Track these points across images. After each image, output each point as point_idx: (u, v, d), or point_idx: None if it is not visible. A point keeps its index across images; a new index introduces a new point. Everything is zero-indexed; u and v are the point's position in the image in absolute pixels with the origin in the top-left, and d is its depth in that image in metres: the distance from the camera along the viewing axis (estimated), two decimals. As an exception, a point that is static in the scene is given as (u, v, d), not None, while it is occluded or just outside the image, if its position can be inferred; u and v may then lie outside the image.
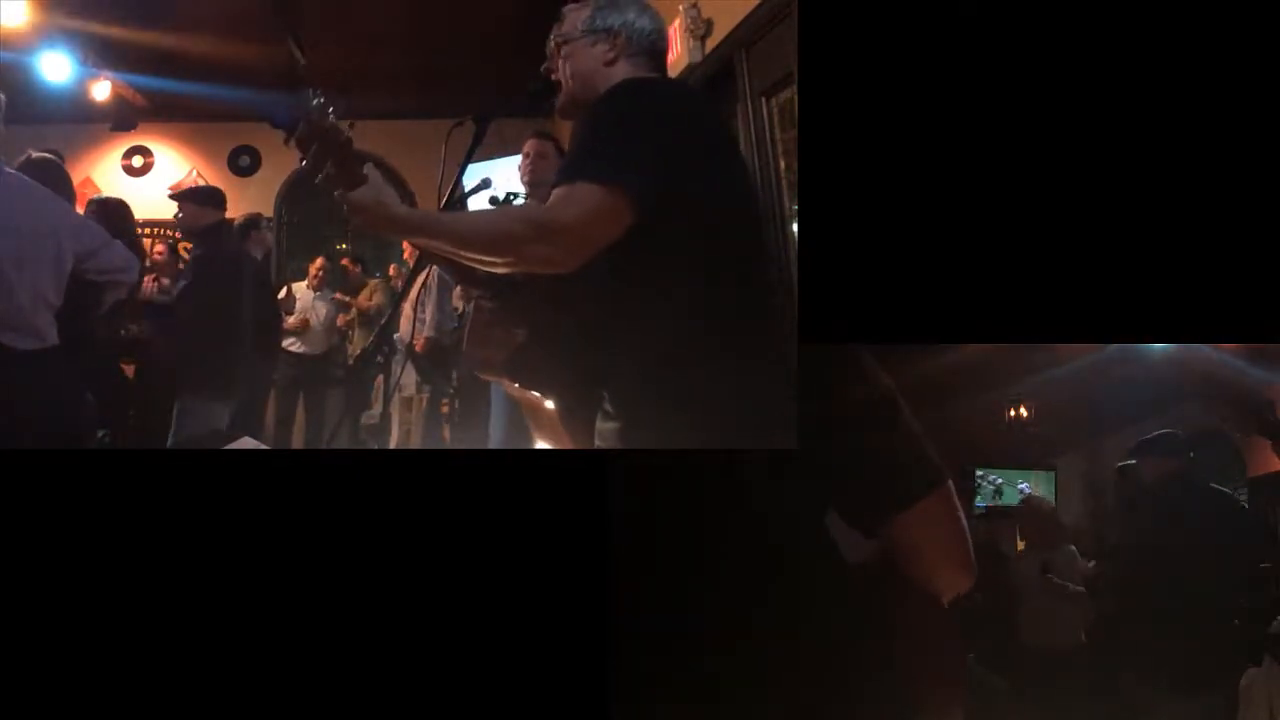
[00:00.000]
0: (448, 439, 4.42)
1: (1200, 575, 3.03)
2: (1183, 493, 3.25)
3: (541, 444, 1.66)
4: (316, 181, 1.48)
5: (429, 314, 4.18)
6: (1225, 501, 3.31)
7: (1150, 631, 3.08)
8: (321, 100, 1.45)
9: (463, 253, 1.47)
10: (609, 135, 1.46)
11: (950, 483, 1.00)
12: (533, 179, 3.22)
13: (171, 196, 4.10)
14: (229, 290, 3.85)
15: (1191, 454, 3.34)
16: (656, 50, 1.65)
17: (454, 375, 4.23)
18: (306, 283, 6.23)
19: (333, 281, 6.44)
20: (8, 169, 2.79)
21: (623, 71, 1.60)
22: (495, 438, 3.35)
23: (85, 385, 3.03)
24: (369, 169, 1.48)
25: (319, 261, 6.33)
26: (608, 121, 1.49)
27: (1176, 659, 3.02)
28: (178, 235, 7.18)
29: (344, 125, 1.47)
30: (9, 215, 2.64)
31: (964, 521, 1.01)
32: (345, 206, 1.46)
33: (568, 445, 1.56)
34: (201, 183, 7.39)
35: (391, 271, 6.48)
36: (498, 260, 1.45)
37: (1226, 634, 3.10)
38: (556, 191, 1.43)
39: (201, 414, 3.67)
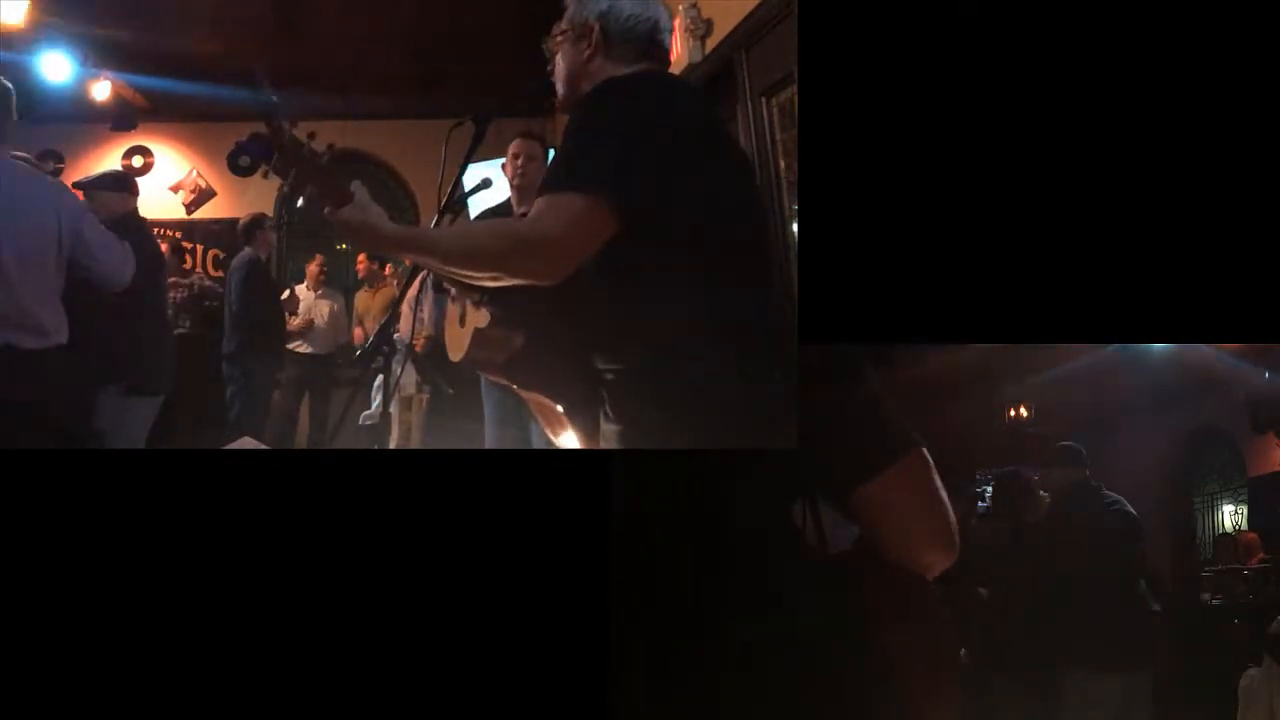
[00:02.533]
0: (447, 438, 4.42)
1: (1099, 570, 3.29)
2: (1082, 499, 3.51)
3: (558, 440, 1.66)
4: (299, 205, 1.49)
5: (427, 312, 4.18)
6: (1115, 505, 3.52)
7: (1070, 620, 3.28)
8: (291, 128, 1.45)
9: (449, 268, 1.47)
10: (589, 142, 1.44)
11: (924, 450, 0.96)
12: (522, 183, 3.21)
13: (77, 185, 3.78)
14: (145, 280, 3.47)
15: (1087, 465, 3.60)
16: (639, 35, 1.58)
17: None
18: (306, 284, 6.23)
19: (333, 280, 6.44)
20: (10, 154, 2.75)
21: (605, 68, 1.57)
22: (491, 434, 3.35)
23: (92, 386, 3.01)
24: (355, 186, 1.48)
25: (318, 260, 6.32)
26: (588, 127, 1.46)
27: (1094, 642, 3.23)
28: (177, 234, 7.23)
29: (322, 147, 1.47)
30: (9, 203, 2.60)
31: (942, 491, 0.97)
32: (334, 227, 1.47)
33: (579, 442, 1.56)
34: (202, 183, 7.41)
35: (388, 271, 6.48)
36: (483, 275, 1.45)
37: (1135, 618, 3.33)
38: (538, 203, 1.42)
39: (118, 412, 3.44)
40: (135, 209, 3.83)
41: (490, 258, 1.43)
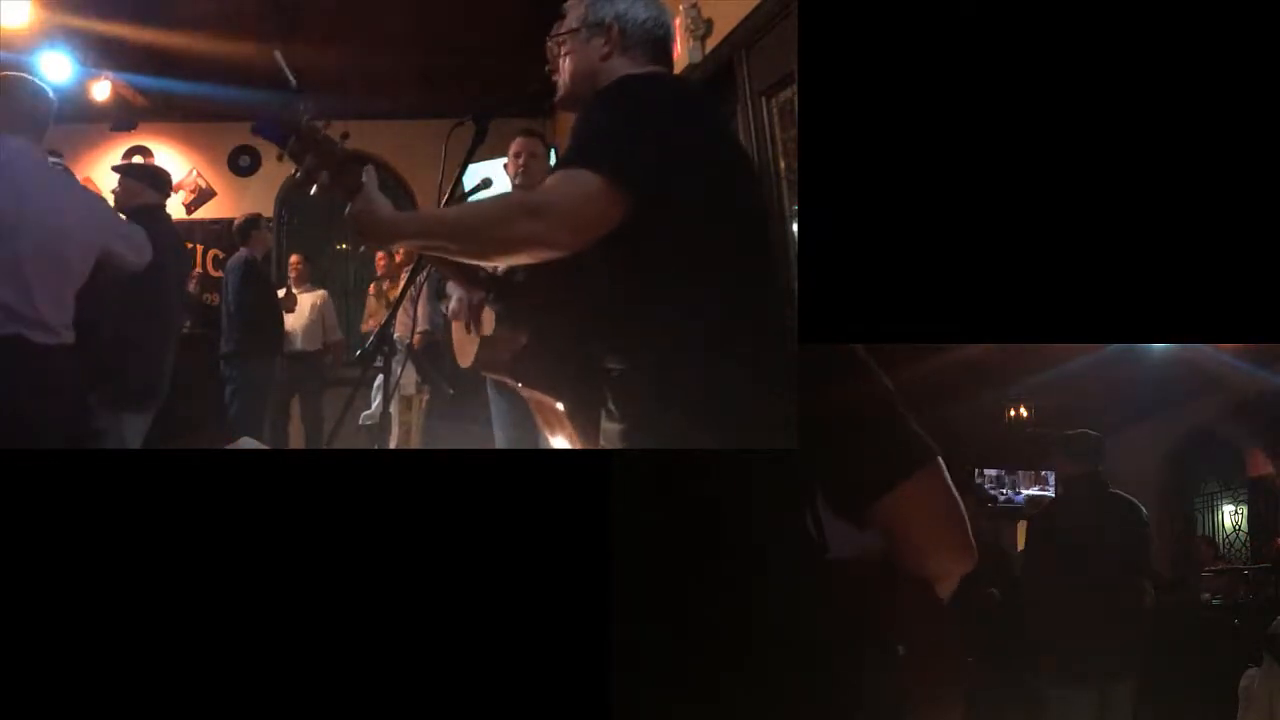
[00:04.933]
0: (447, 438, 4.42)
1: (1103, 571, 3.19)
2: (1089, 494, 3.39)
3: (552, 440, 1.67)
4: (311, 193, 1.49)
5: (420, 309, 4.18)
6: (1124, 505, 3.41)
7: (1062, 625, 3.20)
8: (310, 114, 1.45)
9: (459, 245, 1.47)
10: (607, 128, 1.46)
11: (940, 460, 0.96)
12: (525, 181, 3.20)
13: (114, 168, 3.66)
14: (155, 284, 3.22)
15: (1100, 460, 3.44)
16: (654, 38, 1.62)
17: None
18: (290, 282, 6.16)
19: (314, 277, 6.40)
20: (50, 159, 2.76)
21: (619, 66, 1.59)
22: (500, 436, 3.35)
23: (95, 383, 3.00)
24: (367, 173, 1.48)
25: (293, 259, 6.28)
26: (607, 116, 1.48)
27: (1085, 650, 3.15)
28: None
29: (336, 136, 1.48)
30: (39, 207, 2.60)
31: (958, 499, 0.97)
32: (350, 224, 1.47)
33: (577, 442, 1.56)
34: (202, 183, 7.40)
35: (372, 290, 6.41)
36: (492, 246, 1.46)
37: (1132, 625, 3.24)
38: (550, 177, 1.44)
39: (113, 427, 3.25)
40: (159, 205, 3.64)
41: (497, 225, 1.44)
